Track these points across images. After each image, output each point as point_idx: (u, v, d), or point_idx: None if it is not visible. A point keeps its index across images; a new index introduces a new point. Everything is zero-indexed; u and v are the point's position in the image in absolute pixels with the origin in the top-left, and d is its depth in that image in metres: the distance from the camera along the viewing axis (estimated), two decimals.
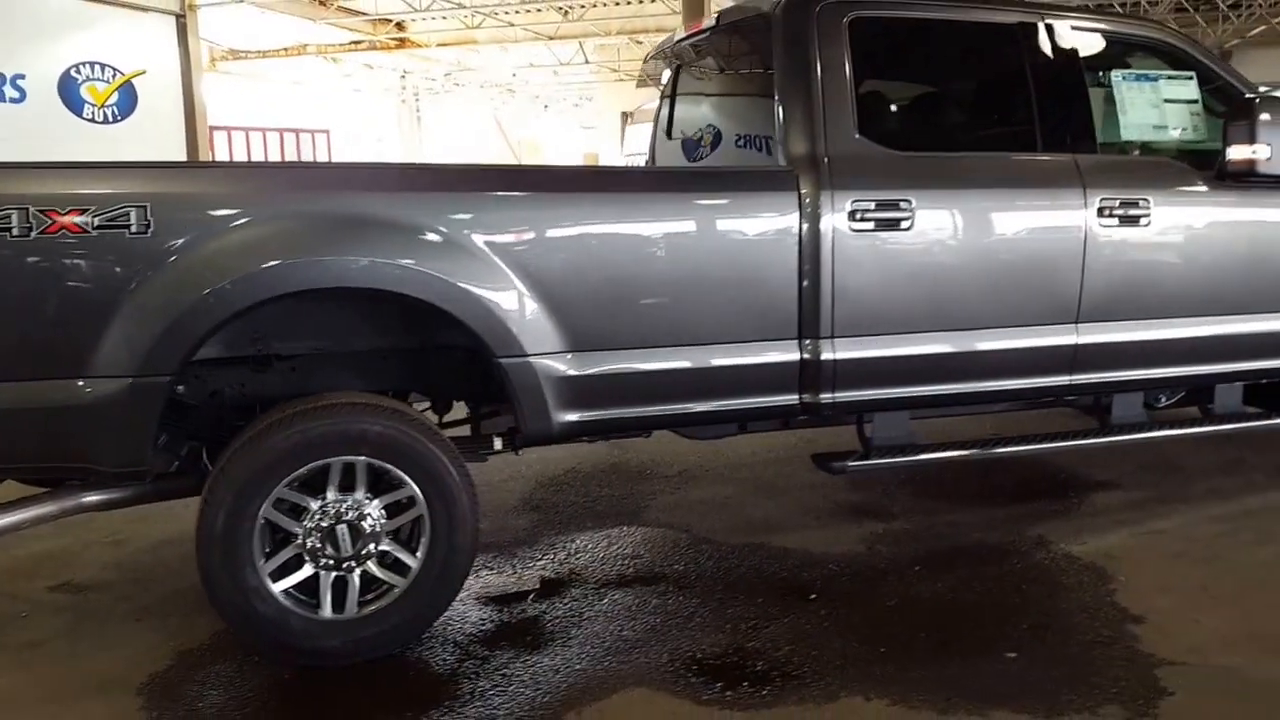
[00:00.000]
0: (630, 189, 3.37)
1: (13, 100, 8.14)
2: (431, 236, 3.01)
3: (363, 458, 3.01)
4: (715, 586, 3.64)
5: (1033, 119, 3.77)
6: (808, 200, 3.39)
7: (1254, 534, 4.07)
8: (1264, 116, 3.81)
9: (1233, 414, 4.35)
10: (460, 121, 25.85)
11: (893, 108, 3.96)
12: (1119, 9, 14.81)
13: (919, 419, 4.38)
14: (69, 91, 8.69)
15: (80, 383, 2.74)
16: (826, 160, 3.43)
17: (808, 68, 3.48)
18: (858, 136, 3.50)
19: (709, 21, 4.15)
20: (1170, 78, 4.02)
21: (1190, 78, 4.05)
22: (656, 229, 3.30)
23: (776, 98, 3.53)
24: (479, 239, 3.06)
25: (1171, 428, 4.35)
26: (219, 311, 2.80)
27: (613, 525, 4.31)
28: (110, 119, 9.04)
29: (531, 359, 3.12)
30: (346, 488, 3.03)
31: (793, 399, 3.51)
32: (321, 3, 15.07)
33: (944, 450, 3.94)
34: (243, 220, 2.87)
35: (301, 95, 18.38)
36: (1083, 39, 3.86)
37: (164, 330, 2.77)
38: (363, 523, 3.03)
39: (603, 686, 2.94)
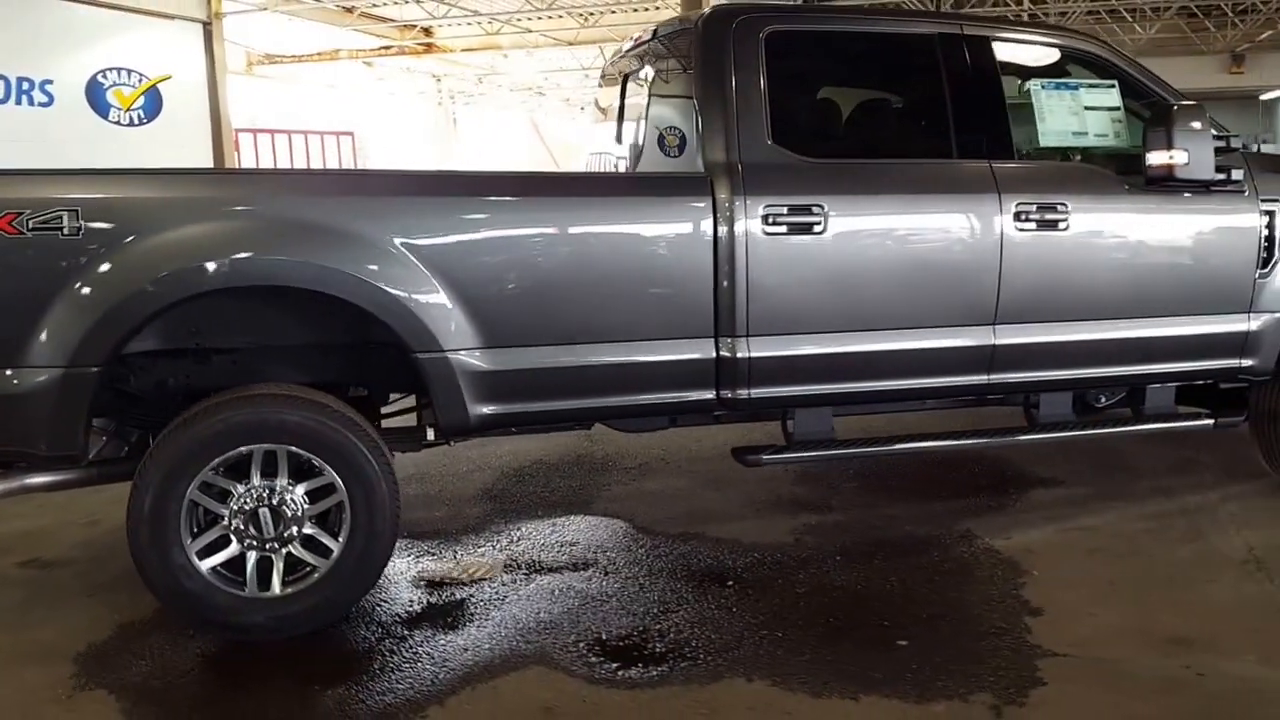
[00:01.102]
0: (545, 193, 3.53)
1: (41, 104, 8.54)
2: (349, 238, 3.20)
3: (283, 446, 3.21)
4: (640, 573, 3.79)
5: (948, 127, 3.86)
6: (721, 205, 3.53)
7: (1181, 532, 4.13)
8: (1181, 123, 3.87)
9: (1164, 414, 4.39)
10: (495, 125, 26.22)
11: (808, 117, 4.07)
12: (1109, 17, 14.66)
13: (863, 416, 4.52)
14: (96, 96, 9.08)
15: (9, 372, 2.96)
16: (740, 167, 3.56)
17: (723, 79, 3.62)
18: (771, 144, 3.63)
19: (647, 33, 4.30)
20: (1092, 86, 4.09)
21: (1113, 86, 4.11)
22: (572, 232, 3.46)
23: (695, 107, 3.68)
24: (396, 240, 3.23)
25: (1098, 427, 4.41)
26: (142, 309, 3.01)
27: (561, 514, 4.48)
28: (135, 122, 9.42)
29: (448, 354, 3.30)
30: (271, 474, 3.23)
31: (709, 395, 3.64)
32: (348, 10, 15.42)
33: (860, 446, 4.05)
34: (165, 223, 3.08)
35: (337, 99, 18.80)
36: (1000, 50, 3.96)
37: (92, 325, 2.99)
38: (284, 507, 3.23)
39: (504, 665, 3.11)
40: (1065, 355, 4.02)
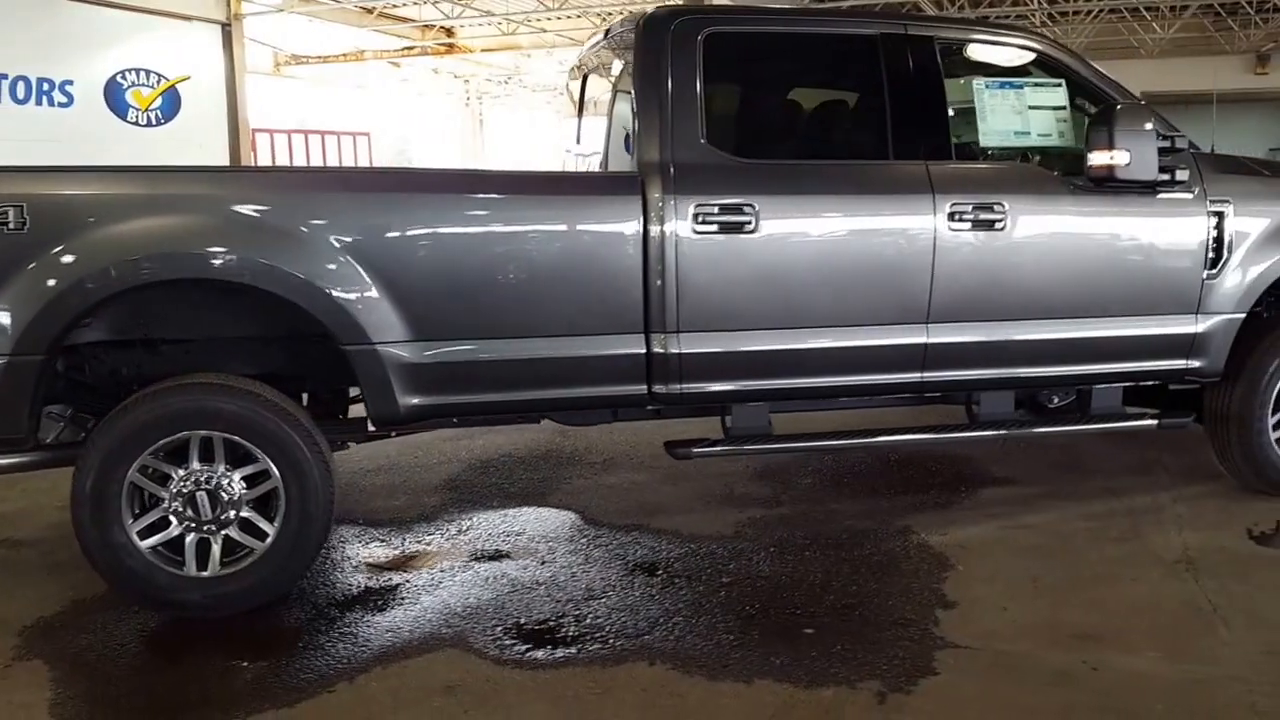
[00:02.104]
0: (474, 191, 3.65)
1: (61, 105, 8.84)
2: (279, 233, 3.35)
3: (218, 432, 3.36)
4: (576, 562, 3.90)
5: (885, 128, 3.92)
6: (652, 204, 3.62)
7: (1120, 531, 4.15)
8: (1123, 123, 3.88)
9: (1111, 414, 4.40)
10: (523, 125, 26.43)
11: (744, 118, 4.15)
12: (1130, 16, 14.43)
13: (821, 412, 4.58)
14: (115, 96, 9.38)
15: None
16: (672, 167, 3.66)
17: (659, 80, 3.71)
18: (705, 144, 3.72)
19: (600, 36, 4.41)
20: (1038, 85, 4.12)
21: (1059, 85, 4.13)
22: (501, 229, 3.58)
23: (632, 107, 3.78)
24: (327, 236, 3.38)
25: (1039, 426, 4.44)
26: (80, 301, 3.18)
27: (515, 505, 4.60)
28: (153, 122, 9.71)
29: (376, 347, 3.43)
30: (210, 459, 3.39)
31: (641, 389, 3.74)
32: (367, 10, 15.69)
33: (793, 441, 4.13)
34: (104, 219, 3.25)
35: (365, 100, 19.11)
36: (943, 50, 3.99)
37: (34, 316, 3.16)
38: (221, 491, 3.39)
39: (420, 646, 3.24)
40: (1002, 354, 4.05)
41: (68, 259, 3.19)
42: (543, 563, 3.90)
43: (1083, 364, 4.21)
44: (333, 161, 17.65)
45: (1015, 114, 4.06)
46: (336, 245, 3.38)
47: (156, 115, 9.77)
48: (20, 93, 8.53)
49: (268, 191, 3.48)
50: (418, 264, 3.48)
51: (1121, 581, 3.67)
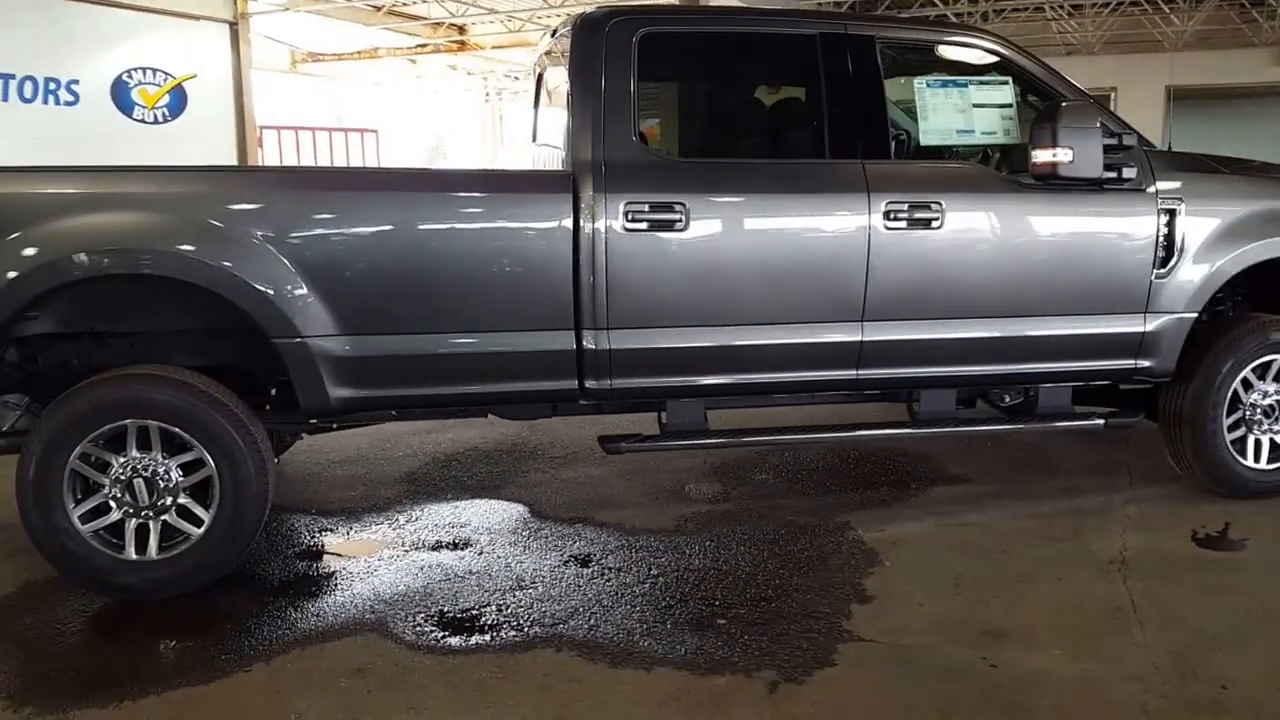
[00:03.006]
0: (405, 189, 3.74)
1: (67, 103, 9.09)
2: (209, 231, 3.46)
3: (153, 422, 3.49)
4: (513, 553, 3.98)
5: (821, 127, 3.94)
6: (584, 202, 3.69)
7: (1061, 531, 4.14)
8: (1067, 120, 3.87)
9: (1058, 413, 4.39)
10: None
11: (678, 117, 4.19)
12: (1149, 8, 14.14)
13: (784, 408, 4.60)
14: (121, 94, 9.61)
15: None
16: (604, 165, 3.72)
17: (593, 80, 3.77)
18: (637, 143, 3.78)
19: (549, 35, 4.48)
20: (983, 83, 4.12)
21: (1005, 82, 4.13)
22: (431, 225, 3.66)
23: (567, 106, 3.84)
24: (256, 233, 3.48)
25: (983, 424, 4.44)
26: (15, 297, 3.32)
27: (468, 498, 4.69)
28: (160, 120, 9.94)
29: (306, 340, 3.53)
30: (148, 447, 3.52)
31: (572, 384, 3.81)
32: (376, 8, 15.88)
33: (726, 437, 4.18)
34: (43, 217, 3.38)
35: (381, 97, 19.35)
36: (885, 49, 4.00)
37: None
38: (158, 478, 3.52)
39: (341, 631, 3.34)
40: (941, 353, 4.06)
41: (4, 256, 3.32)
42: (480, 553, 3.98)
43: (1027, 363, 4.20)
44: (340, 158, 17.89)
45: (958, 112, 4.07)
46: (265, 242, 3.48)
47: (163, 113, 10.00)
48: (27, 92, 8.79)
49: (199, 189, 3.59)
50: (346, 261, 3.57)
51: (1047, 581, 3.67)
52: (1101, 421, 4.35)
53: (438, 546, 4.07)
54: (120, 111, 9.54)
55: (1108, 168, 3.96)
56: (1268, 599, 3.49)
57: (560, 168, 3.86)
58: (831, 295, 3.91)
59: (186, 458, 3.54)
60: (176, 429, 3.49)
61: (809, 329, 3.92)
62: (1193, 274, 4.22)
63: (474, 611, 3.46)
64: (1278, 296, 4.68)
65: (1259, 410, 4.40)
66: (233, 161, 10.21)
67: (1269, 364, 4.38)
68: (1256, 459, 4.42)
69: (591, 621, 3.35)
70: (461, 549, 4.04)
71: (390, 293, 3.61)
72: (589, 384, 3.81)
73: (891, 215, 3.89)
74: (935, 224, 3.93)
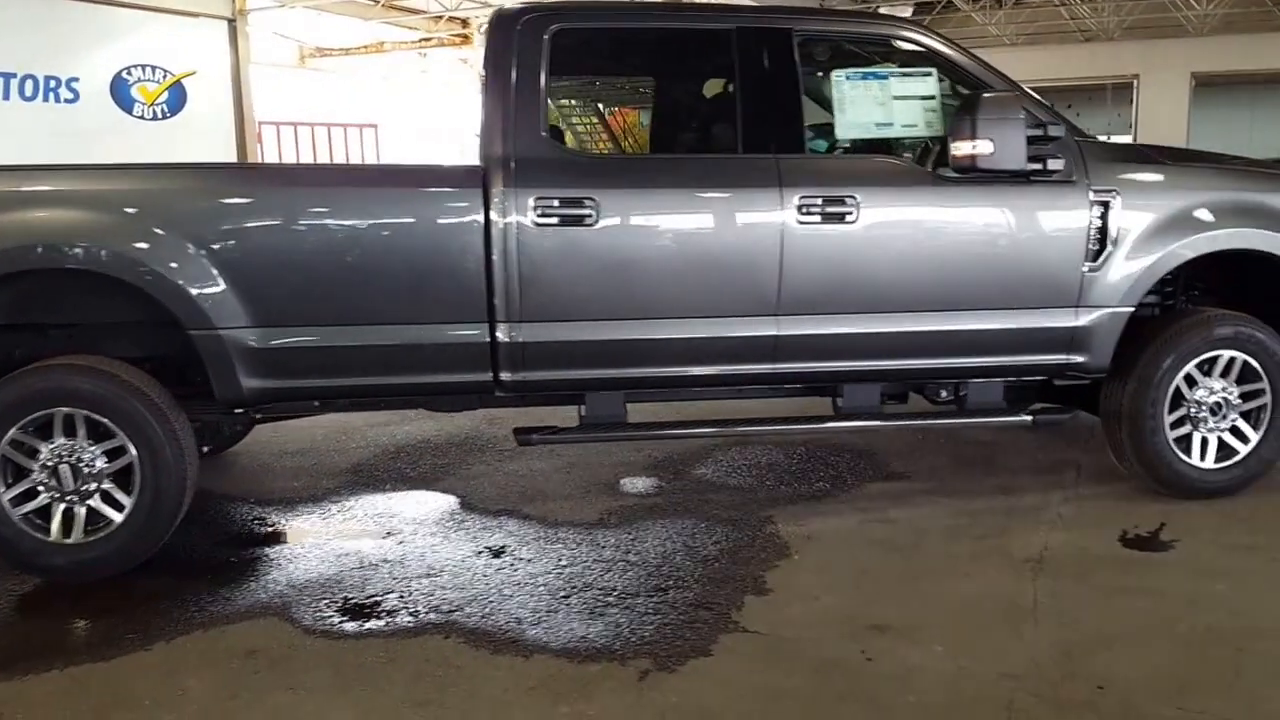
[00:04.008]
0: (316, 185, 3.82)
1: (67, 101, 9.33)
2: (127, 226, 3.57)
3: (78, 410, 3.60)
4: (432, 543, 4.05)
5: (735, 122, 3.95)
6: (494, 197, 3.74)
7: (985, 529, 4.10)
8: (986, 112, 3.84)
9: (988, 408, 4.36)
10: None
11: (590, 113, 4.21)
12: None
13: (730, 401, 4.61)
14: (120, 92, 9.84)
15: None
16: (514, 161, 3.77)
17: (504, 76, 3.83)
18: (546, 139, 3.82)
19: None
20: (905, 75, 4.09)
21: (929, 74, 4.11)
22: (343, 221, 3.73)
23: (480, 102, 3.89)
24: (172, 227, 3.58)
25: (907, 419, 4.42)
26: None
27: (405, 489, 4.76)
28: (159, 116, 10.16)
29: (219, 332, 3.63)
30: (75, 434, 3.64)
31: (487, 377, 3.86)
32: (374, 2, 15.99)
33: (645, 430, 4.22)
34: None
35: (389, 91, 19.45)
36: (802, 43, 4.00)
37: None
38: (82, 464, 3.63)
39: (245, 614, 3.43)
40: (861, 347, 4.05)
41: None
42: (401, 543, 4.05)
43: (954, 357, 4.17)
44: (339, 153, 18.06)
45: (877, 105, 4.05)
46: (180, 237, 3.58)
47: (162, 109, 10.23)
48: (28, 90, 9.05)
49: (118, 187, 3.70)
50: (259, 255, 3.66)
51: (954, 578, 3.65)
52: (1030, 418, 4.31)
53: (361, 536, 4.15)
54: (120, 108, 9.78)
55: (1032, 159, 3.92)
56: (1176, 602, 3.44)
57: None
58: (745, 289, 3.92)
59: (110, 445, 3.65)
60: (100, 417, 3.60)
61: (723, 323, 3.94)
62: (1128, 268, 4.16)
63: (377, 598, 3.53)
64: (1242, 290, 4.63)
65: (1204, 408, 4.31)
66: (232, 157, 10.41)
67: (1214, 360, 4.31)
68: (1202, 457, 4.34)
69: (486, 610, 3.41)
70: (383, 539, 4.11)
71: (303, 286, 3.69)
72: (504, 376, 3.86)
73: (805, 209, 3.89)
74: (850, 218, 3.92)
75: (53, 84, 9.17)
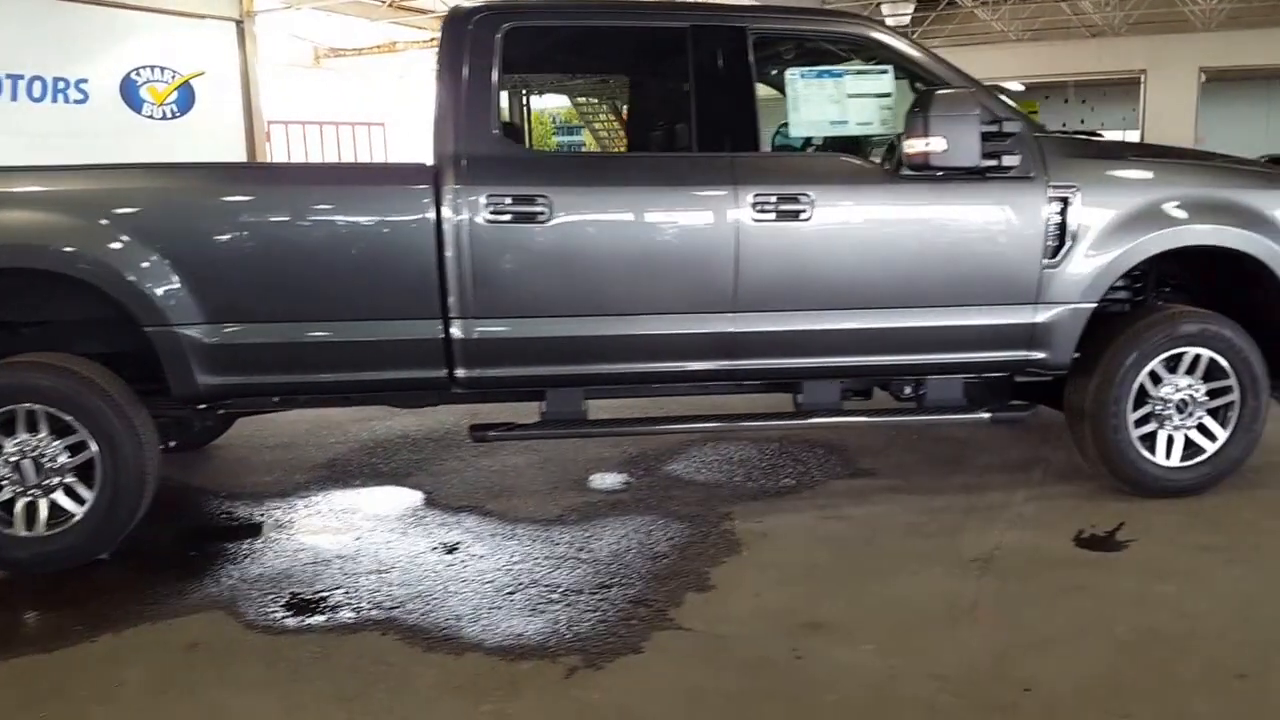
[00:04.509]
0: (269, 183, 3.86)
1: (76, 101, 9.52)
2: (84, 226, 3.63)
3: (40, 406, 3.68)
4: (390, 538, 4.08)
5: (689, 120, 3.95)
6: (446, 195, 3.76)
7: (940, 527, 4.08)
8: (940, 109, 3.82)
9: (948, 405, 4.33)
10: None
11: (543, 111, 4.21)
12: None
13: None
14: (129, 92, 10.02)
15: None
16: (465, 159, 3.79)
17: (456, 75, 3.85)
18: (499, 136, 3.84)
19: None
20: (860, 73, 4.07)
21: (885, 72, 4.08)
22: (296, 220, 3.78)
23: (434, 101, 3.92)
24: (127, 226, 3.64)
25: (865, 415, 4.40)
26: None
27: (373, 485, 4.81)
28: (169, 116, 10.32)
29: (175, 329, 3.69)
30: (38, 430, 3.71)
31: (441, 373, 3.89)
32: (380, 2, 16.04)
33: (600, 427, 4.22)
34: None
35: (405, 90, 19.52)
36: (757, 40, 3.98)
37: None
38: (44, 459, 3.71)
39: (195, 607, 3.48)
40: (818, 344, 4.04)
41: None
42: (357, 539, 4.10)
43: (912, 354, 4.15)
44: (348, 152, 18.17)
45: (832, 103, 4.03)
46: (135, 235, 3.64)
47: (171, 109, 10.39)
48: (36, 91, 9.23)
49: (73, 187, 3.76)
50: (213, 253, 3.71)
51: (900, 576, 3.64)
52: (988, 415, 4.28)
53: (321, 531, 4.20)
54: (130, 108, 9.93)
55: (989, 155, 3.89)
56: (1121, 603, 3.40)
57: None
58: (701, 286, 3.92)
59: (72, 440, 3.72)
60: (60, 413, 3.68)
61: (680, 320, 3.94)
62: (1088, 264, 4.12)
63: (324, 594, 3.57)
64: (1221, 289, 4.58)
65: (1170, 405, 4.27)
66: (241, 156, 10.56)
67: (1180, 357, 4.25)
68: (1168, 456, 4.30)
69: (428, 607, 3.44)
70: (342, 534, 4.16)
71: (257, 284, 3.74)
72: (459, 373, 3.89)
73: (759, 207, 3.88)
74: (804, 216, 3.91)
75: (61, 85, 9.36)
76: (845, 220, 3.98)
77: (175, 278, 3.67)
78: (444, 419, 5.78)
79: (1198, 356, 4.24)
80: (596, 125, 17.46)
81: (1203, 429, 4.31)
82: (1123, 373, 4.19)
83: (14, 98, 8.97)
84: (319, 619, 3.38)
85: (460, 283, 3.79)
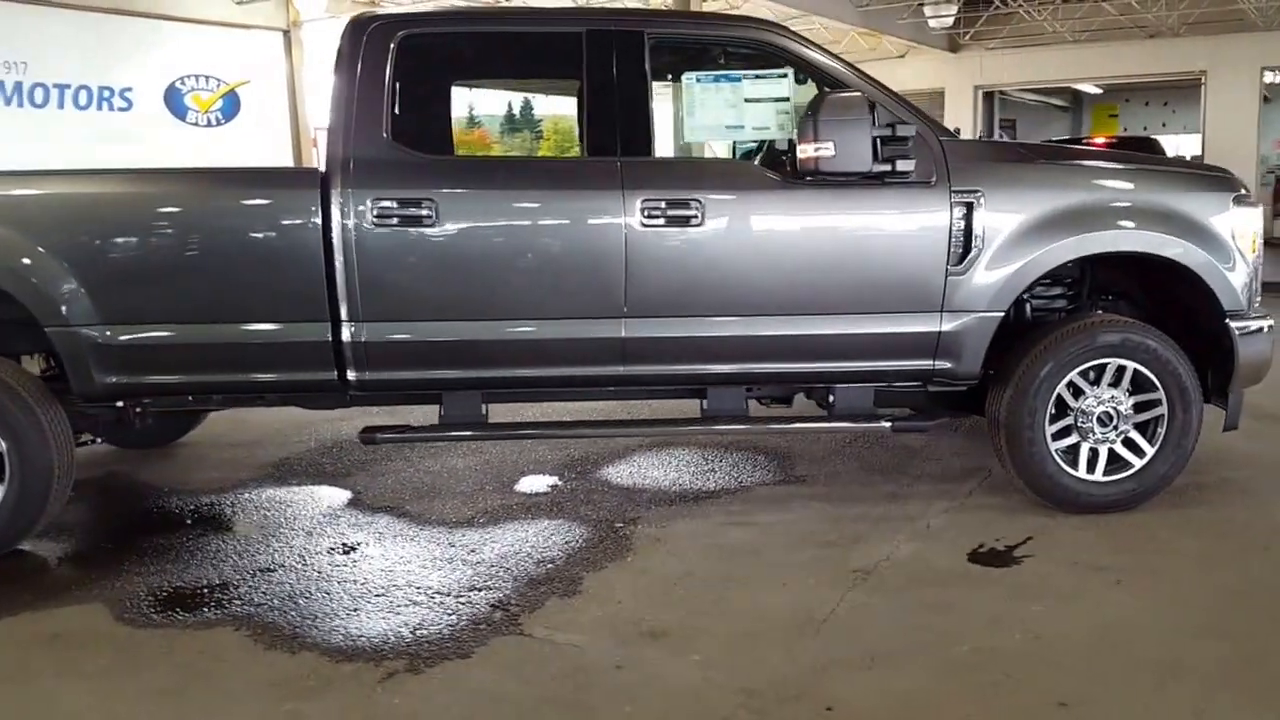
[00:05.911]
0: (155, 187, 3.98)
1: (120, 109, 9.97)
2: None
3: None
4: (293, 538, 4.16)
5: (581, 124, 3.94)
6: (332, 198, 3.84)
7: (839, 537, 3.99)
8: (828, 113, 3.72)
9: (856, 414, 4.21)
10: None
11: (434, 116, 4.24)
12: None
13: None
14: (174, 100, 10.41)
15: None
16: (352, 162, 3.86)
17: (349, 80, 3.91)
18: (389, 141, 3.89)
19: None
20: (758, 77, 3.99)
21: (784, 75, 3.99)
22: (187, 221, 3.89)
23: (329, 107, 3.99)
24: (28, 229, 3.80)
25: (769, 423, 4.32)
26: None
27: (308, 484, 4.92)
28: (213, 123, 10.69)
29: (73, 329, 3.84)
30: None
31: (331, 376, 3.97)
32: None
33: (502, 430, 4.25)
34: None
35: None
36: (653, 45, 3.93)
37: None
38: None
39: (75, 598, 3.60)
40: (711, 350, 3.99)
41: None
42: (264, 537, 4.20)
43: (814, 362, 4.06)
44: None
45: (728, 107, 3.97)
46: (34, 238, 3.80)
47: (216, 117, 10.74)
48: (82, 100, 9.73)
49: None
50: (108, 255, 3.84)
51: (769, 587, 3.55)
52: (889, 424, 4.15)
53: (233, 529, 4.32)
54: (174, 116, 10.34)
55: (882, 160, 3.78)
56: (977, 621, 3.25)
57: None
58: (590, 291, 3.90)
59: None
60: None
61: (569, 324, 3.93)
62: (995, 271, 3.98)
63: (202, 590, 3.66)
64: (1169, 297, 4.39)
65: (1092, 418, 4.08)
66: (287, 161, 10.94)
67: (1102, 368, 4.06)
68: (1091, 470, 4.11)
69: (293, 605, 3.50)
70: (248, 532, 4.26)
71: (151, 285, 3.86)
72: (350, 376, 3.96)
73: (648, 212, 3.85)
74: (695, 221, 3.86)
75: (106, 94, 9.84)
76: (738, 226, 3.92)
77: (72, 280, 3.82)
78: (420, 420, 5.85)
79: (1121, 368, 4.03)
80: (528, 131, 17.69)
81: (1130, 444, 4.09)
82: (1038, 384, 4.03)
83: (60, 105, 9.47)
84: (184, 615, 3.46)
85: (348, 286, 3.86)
